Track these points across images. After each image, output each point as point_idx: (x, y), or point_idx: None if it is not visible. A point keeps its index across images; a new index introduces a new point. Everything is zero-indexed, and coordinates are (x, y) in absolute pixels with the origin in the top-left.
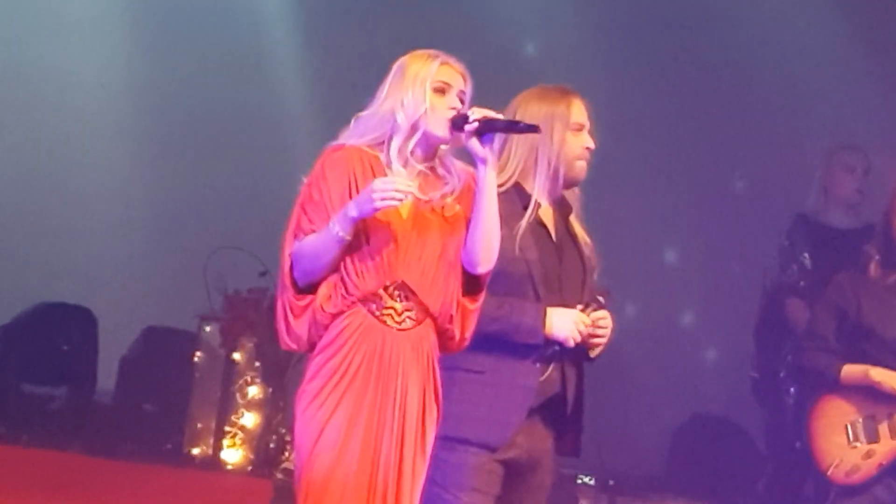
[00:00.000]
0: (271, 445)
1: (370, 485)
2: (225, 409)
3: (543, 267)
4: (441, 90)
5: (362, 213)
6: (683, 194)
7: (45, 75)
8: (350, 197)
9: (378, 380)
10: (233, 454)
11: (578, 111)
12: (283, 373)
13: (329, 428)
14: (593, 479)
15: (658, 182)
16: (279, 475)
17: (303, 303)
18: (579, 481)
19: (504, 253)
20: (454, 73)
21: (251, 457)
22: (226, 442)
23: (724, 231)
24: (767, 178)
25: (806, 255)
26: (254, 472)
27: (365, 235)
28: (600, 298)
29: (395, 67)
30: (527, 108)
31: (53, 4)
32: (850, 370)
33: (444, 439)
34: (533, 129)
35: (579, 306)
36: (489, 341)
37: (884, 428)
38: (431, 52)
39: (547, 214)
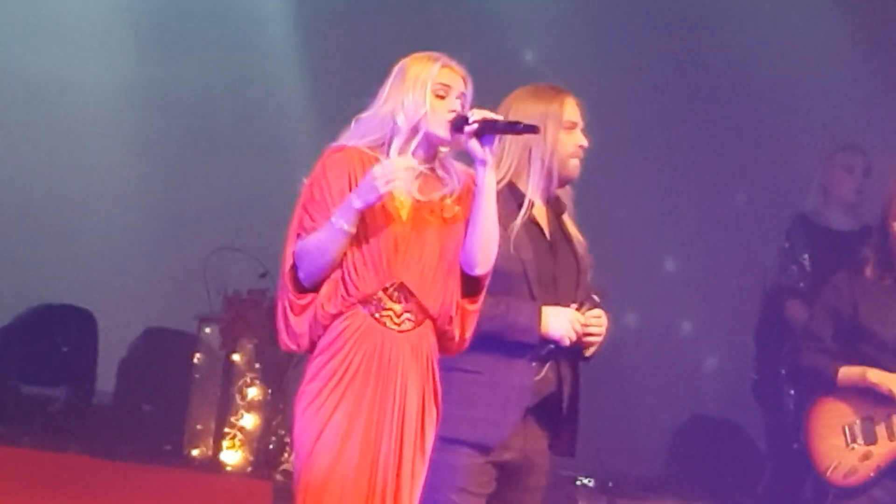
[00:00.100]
0: (271, 447)
1: (369, 485)
2: (224, 411)
3: (538, 266)
4: (441, 94)
5: (367, 203)
6: (683, 200)
7: (45, 76)
8: None
9: (377, 381)
10: (232, 455)
11: (571, 109)
12: (282, 374)
13: (328, 428)
14: (592, 480)
15: (658, 188)
16: (279, 476)
17: (303, 301)
18: (578, 483)
19: (499, 252)
20: (455, 76)
21: (250, 458)
22: (225, 443)
23: (724, 237)
24: (767, 182)
25: (806, 255)
26: (253, 473)
27: (364, 237)
28: (595, 297)
29: (395, 69)
30: (519, 107)
31: (52, 7)
32: (848, 372)
33: (438, 440)
34: (532, 129)
35: (574, 305)
36: (485, 341)
37: (881, 429)
38: (432, 54)
39: (541, 213)
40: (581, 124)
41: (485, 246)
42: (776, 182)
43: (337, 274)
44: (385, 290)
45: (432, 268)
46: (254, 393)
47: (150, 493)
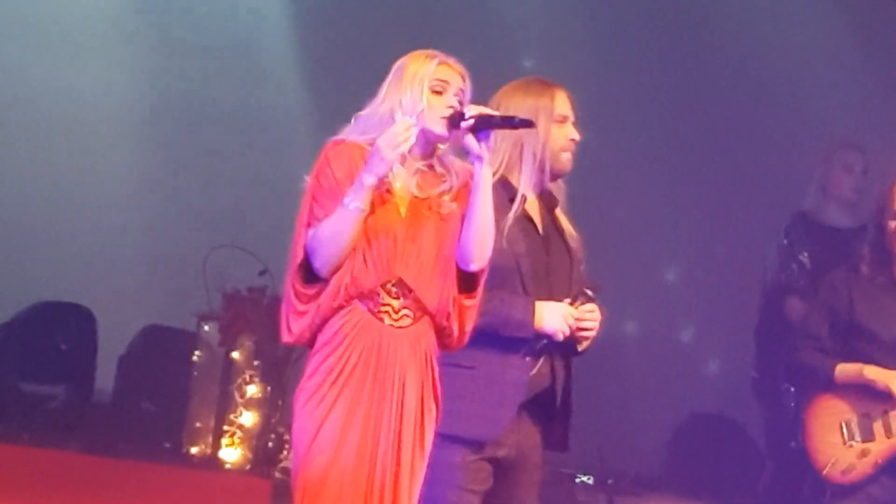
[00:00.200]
0: (270, 444)
1: (367, 481)
2: (223, 408)
3: (531, 260)
4: (439, 90)
5: (378, 175)
6: (684, 200)
7: (45, 76)
8: None
9: (375, 377)
10: (231, 453)
11: (562, 103)
12: (281, 372)
13: (326, 424)
14: (592, 477)
15: (658, 188)
16: (278, 474)
17: (310, 291)
18: (578, 480)
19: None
20: (452, 72)
21: (250, 456)
22: (224, 441)
23: (724, 238)
24: (767, 182)
25: (805, 254)
26: (252, 470)
27: (363, 233)
28: (588, 291)
29: (394, 68)
30: (509, 102)
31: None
32: (844, 369)
33: (434, 436)
34: (528, 124)
35: (567, 300)
36: (478, 336)
37: (878, 426)
38: (430, 52)
39: (533, 207)
40: (572, 117)
41: (481, 241)
42: (776, 182)
43: (348, 263)
44: (384, 285)
45: (430, 264)
46: (253, 391)
47: (150, 490)
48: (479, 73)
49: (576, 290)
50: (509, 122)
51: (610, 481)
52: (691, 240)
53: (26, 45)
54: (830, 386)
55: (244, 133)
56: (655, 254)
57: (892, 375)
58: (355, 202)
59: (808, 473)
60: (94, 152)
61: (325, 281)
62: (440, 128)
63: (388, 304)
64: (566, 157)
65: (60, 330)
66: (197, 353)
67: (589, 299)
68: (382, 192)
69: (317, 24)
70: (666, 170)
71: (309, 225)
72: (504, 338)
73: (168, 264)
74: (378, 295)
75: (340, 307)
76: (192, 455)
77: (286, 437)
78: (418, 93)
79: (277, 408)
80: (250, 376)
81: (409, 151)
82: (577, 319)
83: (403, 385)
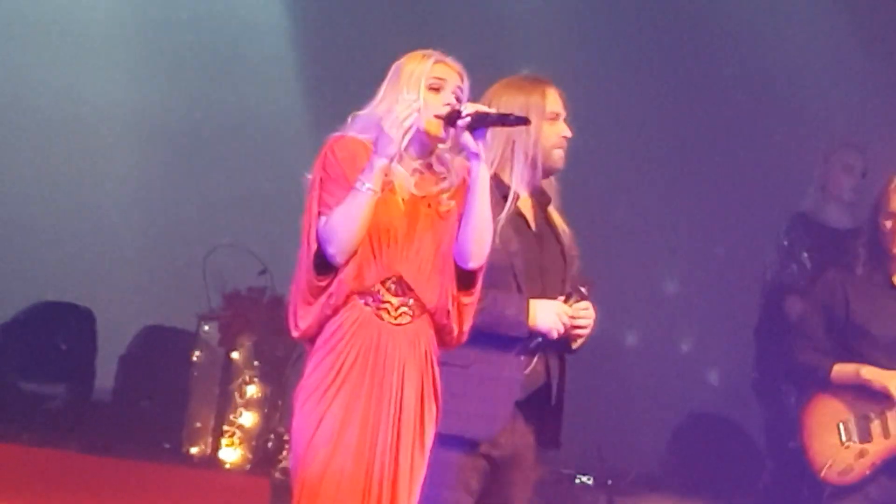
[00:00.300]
0: (269, 444)
1: (366, 477)
2: (223, 408)
3: (525, 258)
4: (436, 87)
5: (389, 155)
6: (684, 201)
7: (45, 79)
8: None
9: (374, 374)
10: (231, 453)
11: (553, 100)
12: (281, 372)
13: (325, 421)
14: (592, 477)
15: (657, 189)
16: (277, 474)
17: (323, 283)
18: (578, 480)
19: None
20: (449, 71)
21: (249, 456)
22: (224, 441)
23: (724, 239)
24: (768, 186)
25: (805, 254)
26: (252, 470)
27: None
28: (582, 289)
29: (392, 68)
30: (501, 100)
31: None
32: (841, 369)
33: None
34: (523, 121)
35: (561, 297)
36: (473, 334)
37: (876, 427)
38: (427, 51)
39: (526, 205)
40: (564, 114)
41: (478, 239)
42: (776, 182)
43: (363, 249)
44: (383, 282)
45: (429, 262)
46: (253, 391)
47: (149, 490)
48: (478, 72)
49: (569, 287)
50: (505, 120)
51: (610, 481)
52: (691, 240)
53: (26, 46)
54: (827, 386)
55: (244, 133)
56: (655, 254)
57: (890, 376)
58: (368, 184)
59: (808, 473)
60: (94, 153)
61: (336, 273)
62: (436, 128)
63: (388, 302)
64: (558, 155)
65: (60, 330)
66: (197, 353)
67: (583, 297)
68: (384, 190)
69: (316, 25)
70: (665, 170)
71: (320, 214)
72: (498, 336)
73: (168, 264)
74: (377, 292)
75: (348, 298)
76: (192, 455)
77: (286, 437)
78: (415, 92)
79: (277, 408)
80: (250, 376)
81: (407, 150)
82: (572, 317)
83: (402, 382)
